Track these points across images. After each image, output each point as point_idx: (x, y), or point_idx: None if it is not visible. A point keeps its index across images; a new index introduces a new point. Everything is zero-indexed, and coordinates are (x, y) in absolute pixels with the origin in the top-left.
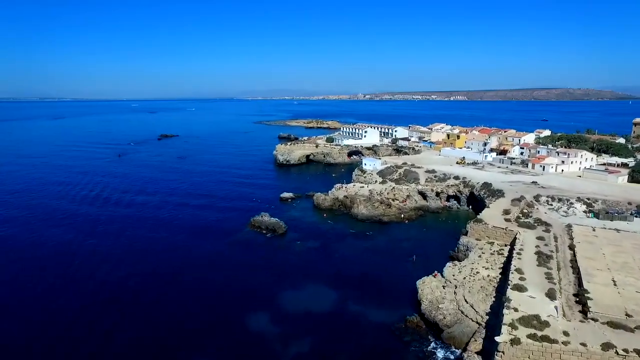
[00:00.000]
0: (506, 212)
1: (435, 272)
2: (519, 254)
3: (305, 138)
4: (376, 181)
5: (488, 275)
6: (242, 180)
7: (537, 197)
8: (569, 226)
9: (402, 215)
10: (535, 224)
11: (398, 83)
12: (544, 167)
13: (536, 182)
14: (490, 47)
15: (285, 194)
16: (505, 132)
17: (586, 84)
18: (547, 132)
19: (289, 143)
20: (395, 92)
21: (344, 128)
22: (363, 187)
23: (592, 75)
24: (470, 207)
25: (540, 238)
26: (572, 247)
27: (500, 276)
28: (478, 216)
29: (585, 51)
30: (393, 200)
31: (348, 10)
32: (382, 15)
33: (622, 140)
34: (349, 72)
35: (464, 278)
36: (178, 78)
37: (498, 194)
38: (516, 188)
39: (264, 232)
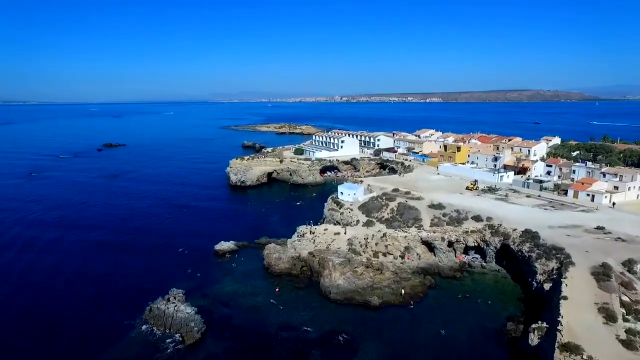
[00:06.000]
0: (605, 310)
1: None
2: None
3: (269, 150)
4: (358, 221)
5: None
6: (173, 213)
7: (628, 265)
8: None
9: (402, 291)
10: None
11: (375, 85)
12: (592, 196)
13: (603, 228)
14: (464, 49)
15: (223, 245)
16: (509, 140)
17: (555, 85)
18: (556, 140)
19: (246, 157)
20: (372, 94)
21: (317, 137)
22: (338, 233)
23: (560, 76)
24: (504, 263)
25: None
26: None
27: None
28: (561, 332)
29: (554, 54)
30: (385, 254)
31: (325, 13)
32: (359, 18)
33: None
34: (326, 74)
35: None
36: (157, 81)
37: (558, 255)
38: (579, 240)
39: (164, 339)
